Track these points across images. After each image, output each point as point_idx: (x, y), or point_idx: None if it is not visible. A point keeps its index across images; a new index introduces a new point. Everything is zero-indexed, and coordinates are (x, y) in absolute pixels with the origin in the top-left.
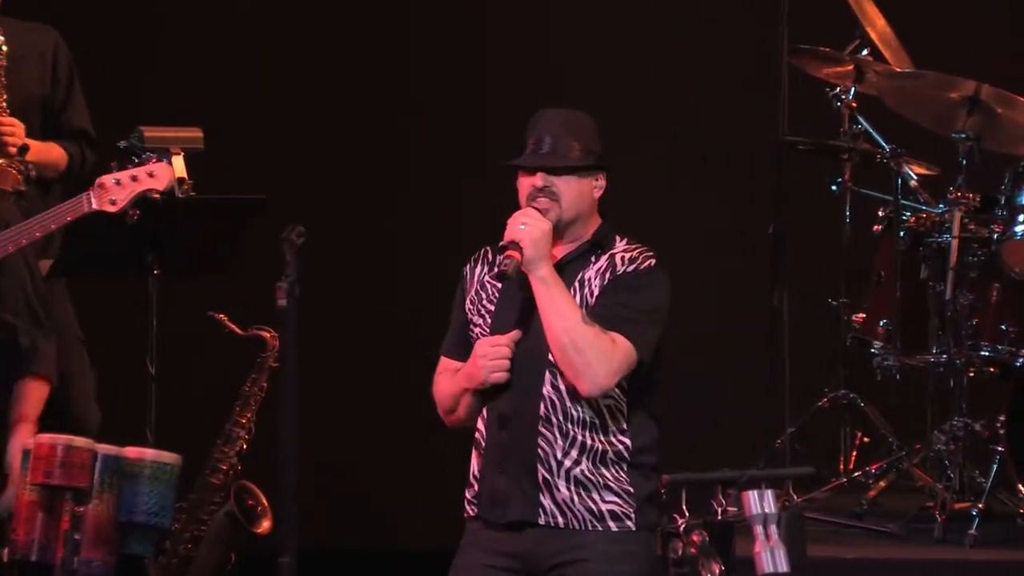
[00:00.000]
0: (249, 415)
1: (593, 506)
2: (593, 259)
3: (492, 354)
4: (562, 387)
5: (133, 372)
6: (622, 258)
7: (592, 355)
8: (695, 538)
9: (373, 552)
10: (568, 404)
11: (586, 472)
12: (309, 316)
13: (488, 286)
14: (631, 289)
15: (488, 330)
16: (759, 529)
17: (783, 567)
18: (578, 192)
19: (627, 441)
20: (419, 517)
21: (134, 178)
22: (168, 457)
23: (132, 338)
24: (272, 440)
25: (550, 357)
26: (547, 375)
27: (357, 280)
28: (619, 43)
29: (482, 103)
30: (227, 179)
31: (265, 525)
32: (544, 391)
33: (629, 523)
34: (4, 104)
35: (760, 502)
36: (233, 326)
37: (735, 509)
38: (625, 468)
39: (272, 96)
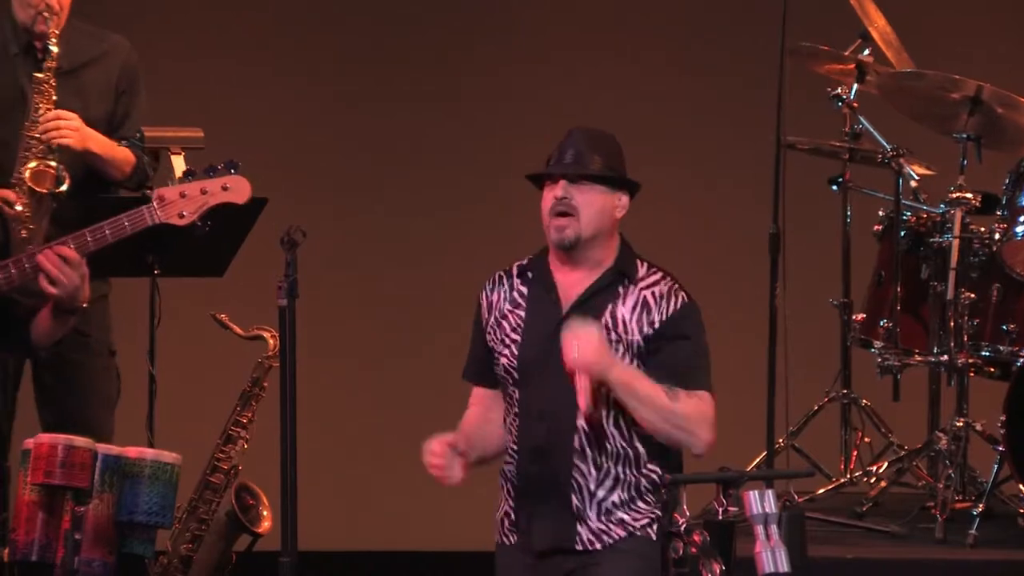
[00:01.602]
0: (250, 415)
1: (626, 523)
2: (620, 290)
3: (429, 462)
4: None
5: (134, 372)
6: (654, 295)
7: (693, 425)
8: (696, 538)
9: (374, 552)
10: (604, 437)
11: (616, 502)
12: (311, 316)
13: (510, 315)
14: (688, 336)
15: (516, 362)
16: (760, 529)
17: (784, 567)
18: (599, 206)
19: (657, 469)
20: (420, 517)
21: (204, 191)
22: (168, 457)
23: (133, 338)
24: (273, 440)
25: None
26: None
27: (356, 281)
28: (620, 41)
29: (488, 104)
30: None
31: (266, 525)
32: (579, 423)
33: (651, 532)
34: (52, 105)
35: (761, 502)
36: (234, 326)
37: (736, 509)
38: (654, 494)
39: (273, 96)
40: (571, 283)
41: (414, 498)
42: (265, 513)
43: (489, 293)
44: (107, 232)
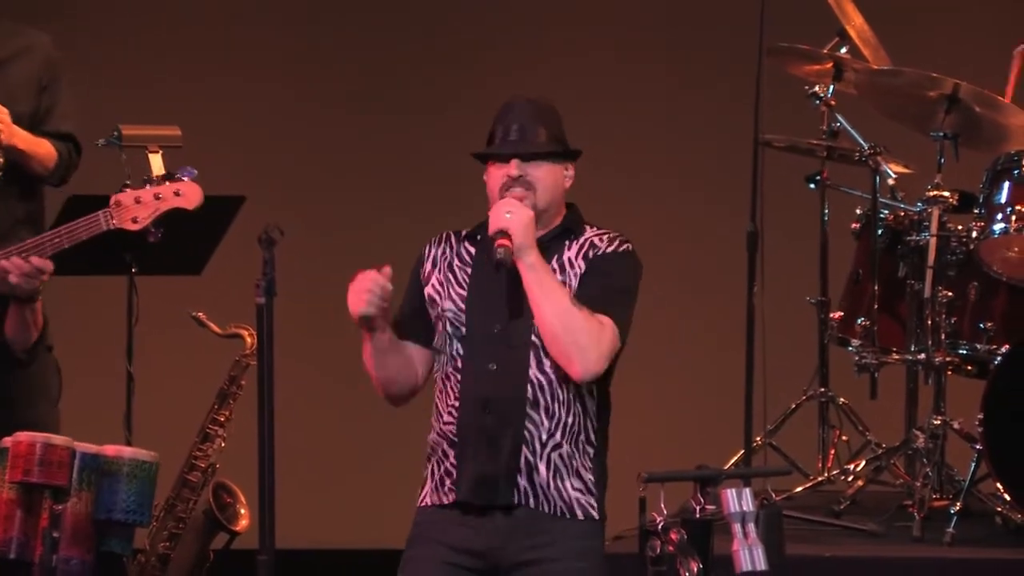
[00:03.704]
0: (227, 413)
1: (564, 493)
2: (567, 242)
3: (357, 286)
4: (547, 368)
5: (111, 370)
6: (600, 239)
7: (584, 339)
8: (673, 536)
9: (352, 550)
10: (556, 386)
11: (564, 455)
12: (289, 314)
13: (456, 270)
14: (613, 270)
15: (463, 315)
16: (737, 527)
17: (761, 565)
18: (552, 179)
19: (594, 423)
20: (399, 515)
21: (157, 196)
22: (146, 455)
23: (110, 336)
24: (250, 438)
25: (534, 339)
26: (532, 358)
27: (334, 279)
28: (597, 41)
29: (471, 107)
30: (206, 176)
31: (243, 523)
32: (531, 374)
33: (593, 512)
34: None
35: (738, 500)
36: (212, 324)
37: (713, 507)
38: (591, 453)
39: (253, 94)
40: None
41: (393, 496)
42: (243, 511)
43: (433, 247)
44: (63, 239)
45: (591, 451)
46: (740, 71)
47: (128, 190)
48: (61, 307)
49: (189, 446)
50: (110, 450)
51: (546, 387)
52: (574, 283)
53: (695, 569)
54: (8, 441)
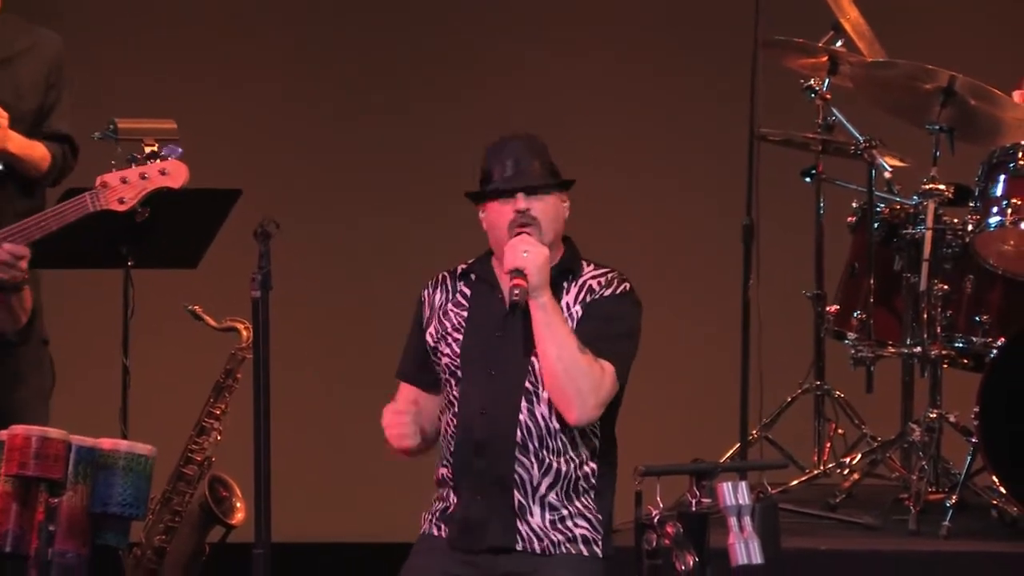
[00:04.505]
0: (223, 406)
1: (566, 531)
2: (565, 284)
3: (392, 425)
4: (538, 414)
5: (107, 364)
6: (598, 282)
7: (585, 385)
8: (669, 529)
9: (348, 544)
10: (544, 432)
11: (560, 499)
12: (285, 308)
13: (452, 314)
14: (613, 315)
15: (458, 359)
16: (733, 520)
17: (757, 558)
18: (554, 212)
19: (595, 467)
20: (394, 509)
21: (143, 176)
22: (142, 449)
23: (106, 330)
24: (246, 431)
25: (527, 384)
26: (523, 402)
27: (330, 273)
28: (589, 34)
29: (464, 106)
30: (202, 171)
31: (239, 517)
32: (520, 418)
33: (597, 549)
34: None
35: (734, 493)
36: (207, 317)
37: (709, 500)
38: (592, 495)
39: (249, 87)
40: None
41: (388, 490)
42: (238, 505)
43: (431, 292)
44: (51, 222)
45: (592, 493)
46: (736, 65)
47: (114, 171)
48: (57, 301)
49: (185, 439)
50: (106, 443)
51: (534, 432)
52: (572, 321)
53: (691, 562)
54: (4, 434)
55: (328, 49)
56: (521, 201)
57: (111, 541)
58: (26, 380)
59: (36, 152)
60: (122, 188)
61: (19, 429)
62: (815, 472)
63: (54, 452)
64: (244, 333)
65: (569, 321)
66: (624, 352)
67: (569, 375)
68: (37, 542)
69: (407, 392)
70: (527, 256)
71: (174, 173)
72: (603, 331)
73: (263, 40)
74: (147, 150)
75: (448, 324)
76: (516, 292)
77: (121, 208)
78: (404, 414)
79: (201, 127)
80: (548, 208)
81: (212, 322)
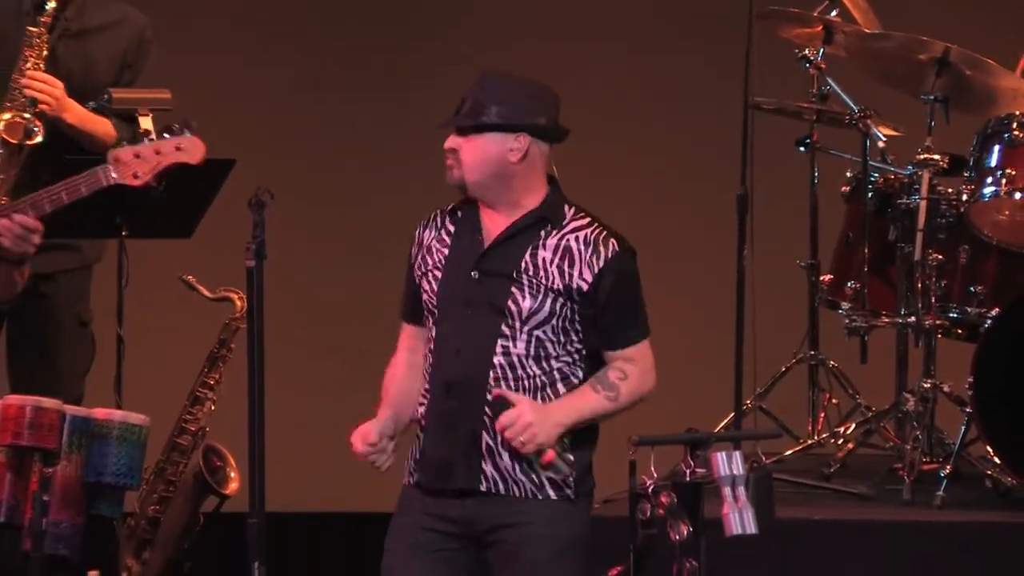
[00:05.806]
0: (217, 376)
1: (534, 475)
2: (542, 233)
3: (363, 456)
4: (514, 355)
5: (101, 333)
6: (578, 241)
7: (639, 390)
8: (663, 499)
9: (342, 513)
10: (519, 370)
11: None
12: (279, 278)
13: (435, 251)
14: (617, 295)
15: (435, 297)
16: (727, 490)
17: (751, 528)
18: (481, 154)
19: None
20: (388, 478)
21: (158, 152)
22: (136, 418)
23: (100, 299)
24: (240, 401)
25: (503, 328)
26: (498, 344)
27: (325, 243)
28: (584, 5)
29: (457, 85)
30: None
31: (233, 486)
32: (495, 361)
33: (568, 491)
34: (42, 65)
35: (728, 463)
36: (201, 288)
37: (703, 470)
38: (567, 437)
39: (242, 57)
40: (495, 225)
41: None
42: (232, 475)
43: (423, 230)
44: (63, 194)
45: (567, 438)
46: (730, 34)
47: (126, 146)
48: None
49: (179, 409)
50: (100, 413)
51: (508, 372)
52: (548, 280)
53: (685, 532)
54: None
55: (326, 24)
56: (450, 141)
57: (105, 511)
58: (62, 360)
59: (99, 127)
60: (135, 163)
61: (13, 399)
62: (809, 442)
63: (48, 422)
64: (238, 303)
65: (544, 277)
66: (641, 316)
67: (625, 406)
68: (31, 512)
69: (406, 337)
70: (525, 443)
71: (191, 149)
72: (620, 319)
73: (258, 15)
74: (141, 120)
75: (431, 260)
76: (552, 472)
77: (136, 183)
78: (373, 445)
79: (194, 97)
80: (473, 149)
81: (206, 292)
